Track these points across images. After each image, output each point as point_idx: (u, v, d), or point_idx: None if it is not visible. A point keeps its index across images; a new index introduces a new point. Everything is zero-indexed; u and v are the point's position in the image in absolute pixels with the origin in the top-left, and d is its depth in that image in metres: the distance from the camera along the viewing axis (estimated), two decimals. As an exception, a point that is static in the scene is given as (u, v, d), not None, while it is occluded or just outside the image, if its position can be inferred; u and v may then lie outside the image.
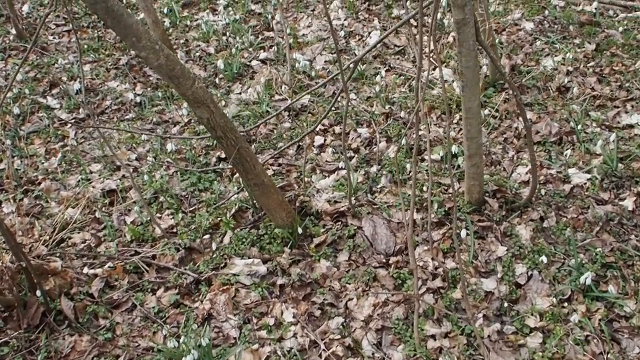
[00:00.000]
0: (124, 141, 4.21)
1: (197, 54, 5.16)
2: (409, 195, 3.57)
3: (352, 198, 3.52)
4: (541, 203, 3.42)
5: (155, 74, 4.91)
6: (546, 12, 5.25)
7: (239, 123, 4.30)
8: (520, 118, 4.01)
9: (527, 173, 3.66)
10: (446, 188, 3.61)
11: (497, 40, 4.67)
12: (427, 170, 3.72)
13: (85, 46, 5.41)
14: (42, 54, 5.38)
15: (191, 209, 3.60)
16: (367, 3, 5.61)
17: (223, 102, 4.51)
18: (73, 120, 4.49)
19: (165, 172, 3.86)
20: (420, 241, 3.32)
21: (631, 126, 3.96)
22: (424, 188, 3.59)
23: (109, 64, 5.13)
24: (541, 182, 3.59)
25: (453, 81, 4.39)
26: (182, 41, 5.40)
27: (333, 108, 4.32)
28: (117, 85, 4.85)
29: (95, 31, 5.70)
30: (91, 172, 3.95)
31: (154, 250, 3.31)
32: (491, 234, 3.30)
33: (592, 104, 4.15)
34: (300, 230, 3.28)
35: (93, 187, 3.80)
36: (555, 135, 3.87)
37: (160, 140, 4.12)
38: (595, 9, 5.12)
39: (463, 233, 3.21)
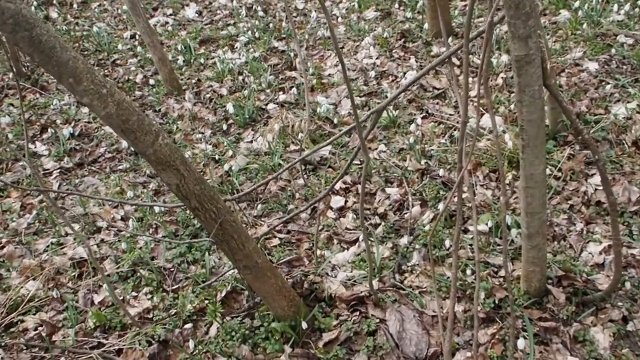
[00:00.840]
0: (111, 196, 3.57)
1: (208, 95, 4.54)
2: (448, 278, 2.81)
3: (376, 280, 2.79)
4: (622, 296, 2.61)
5: (159, 119, 4.30)
6: (612, 50, 4.48)
7: (246, 177, 3.62)
8: (589, 181, 3.24)
9: (601, 253, 2.86)
10: (496, 270, 2.84)
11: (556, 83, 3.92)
12: (471, 246, 2.96)
13: (88, 85, 4.86)
14: (40, 94, 4.85)
15: (175, 287, 2.91)
16: (402, 40, 4.93)
17: (230, 152, 3.85)
18: (59, 171, 3.88)
19: (150, 238, 3.18)
20: (461, 343, 2.54)
21: None
22: (468, 270, 2.82)
23: (109, 105, 4.55)
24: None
25: (504, 131, 3.64)
26: (194, 81, 4.80)
27: (358, 160, 3.62)
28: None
29: (102, 69, 5.17)
30: (66, 235, 3.30)
31: (121, 343, 2.61)
32: (557, 338, 2.50)
33: (680, 162, 3.34)
34: (305, 325, 2.54)
35: (64, 254, 3.14)
36: (635, 203, 3.06)
37: (151, 198, 3.46)
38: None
39: (520, 343, 2.40)
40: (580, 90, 4.09)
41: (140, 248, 3.10)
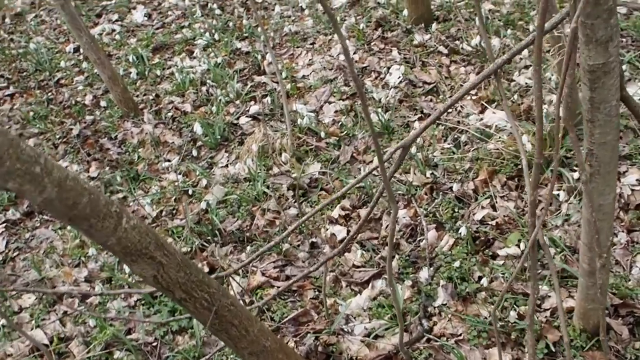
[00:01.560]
0: (70, 253, 3.03)
1: (170, 113, 3.99)
2: (485, 319, 2.37)
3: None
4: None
5: (116, 149, 3.75)
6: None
7: (227, 212, 3.12)
8: (622, 180, 2.82)
9: (655, 267, 2.46)
10: (539, 303, 2.41)
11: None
12: (504, 275, 2.52)
13: (31, 113, 4.27)
14: (-24, 127, 4.23)
15: (160, 367, 2.41)
16: (379, 29, 4.44)
17: (205, 181, 3.33)
18: (4, 225, 3.32)
19: (124, 304, 2.66)
20: (517, 405, 2.11)
21: None
22: (503, 307, 2.38)
23: (58, 136, 3.97)
24: (680, 281, 2.40)
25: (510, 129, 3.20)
26: (151, 97, 4.24)
27: (353, 178, 3.13)
28: (67, 166, 3.67)
29: (45, 93, 4.57)
30: (20, 310, 2.76)
31: None
32: (630, 386, 2.09)
33: None
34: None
35: (21, 342, 2.60)
36: (683, 203, 2.66)
37: (117, 252, 2.94)
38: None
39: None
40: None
41: (113, 320, 2.58)
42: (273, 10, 5.13)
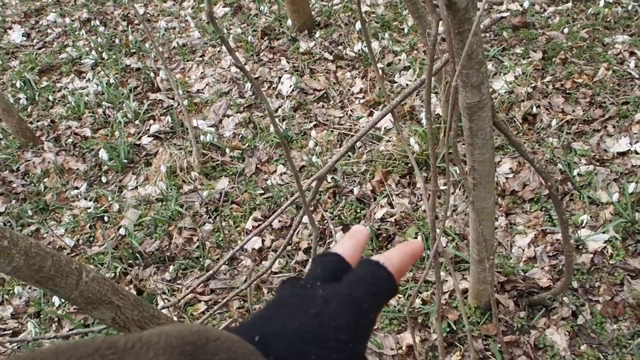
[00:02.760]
0: (-10, 292, 3.06)
1: (70, 139, 4.02)
2: (395, 306, 2.70)
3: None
4: (565, 290, 2.65)
5: (20, 181, 3.74)
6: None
7: (144, 234, 3.25)
8: (498, 170, 3.24)
9: (530, 245, 2.89)
10: (435, 286, 2.76)
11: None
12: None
13: None
14: None
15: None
16: (266, 39, 4.66)
17: (117, 206, 3.43)
18: None
19: (56, 336, 2.75)
20: (430, 379, 2.46)
21: (623, 154, 3.28)
22: (407, 295, 2.72)
23: (-48, 173, 3.90)
24: (550, 254, 2.84)
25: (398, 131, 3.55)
26: (46, 123, 4.23)
27: (260, 189, 3.38)
28: (-32, 203, 3.65)
29: None
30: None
31: None
32: (519, 350, 2.49)
33: (568, 131, 3.44)
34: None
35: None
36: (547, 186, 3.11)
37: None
38: (526, 8, 4.47)
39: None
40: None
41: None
42: (156, 22, 5.20)
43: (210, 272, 2.13)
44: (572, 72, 3.85)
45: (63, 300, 2.87)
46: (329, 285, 0.49)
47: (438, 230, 1.74)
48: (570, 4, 4.56)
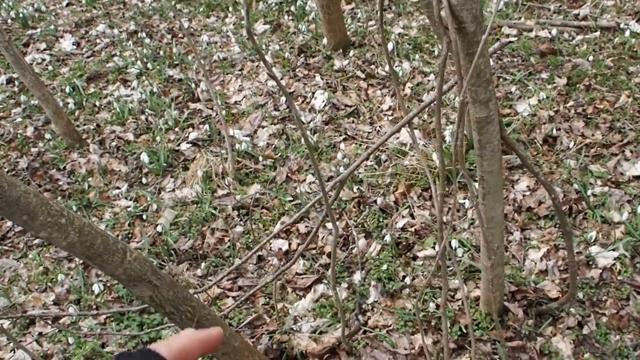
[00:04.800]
0: (36, 280, 3.31)
1: (113, 143, 4.29)
2: (410, 311, 2.87)
3: (340, 325, 2.79)
4: (573, 301, 2.78)
5: (66, 179, 4.02)
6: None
7: (179, 233, 3.48)
8: (515, 187, 3.39)
9: (542, 259, 3.03)
10: (452, 294, 2.93)
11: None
12: (424, 273, 3.03)
13: (-27, 147, 4.46)
14: None
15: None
16: (302, 56, 4.90)
17: (155, 206, 3.67)
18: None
19: (95, 322, 2.99)
20: (439, 378, 2.61)
21: (638, 177, 3.41)
22: (423, 300, 2.89)
23: (6, 169, 4.19)
24: (561, 268, 2.97)
25: (424, 145, 3.74)
26: (92, 127, 4.52)
27: (290, 197, 3.58)
28: (19, 197, 3.92)
29: (-15, 125, 4.74)
30: (-5, 334, 3.03)
31: None
32: (525, 355, 2.63)
33: (587, 154, 3.58)
34: (287, 393, 2.51)
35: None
36: (563, 203, 3.25)
37: (83, 275, 3.25)
38: (554, 35, 4.63)
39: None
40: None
41: (86, 336, 2.91)
42: (199, 36, 5.49)
43: (234, 265, 2.34)
44: (595, 98, 3.99)
45: (102, 289, 3.10)
46: None
47: (445, 233, 1.92)
48: (597, 33, 4.70)
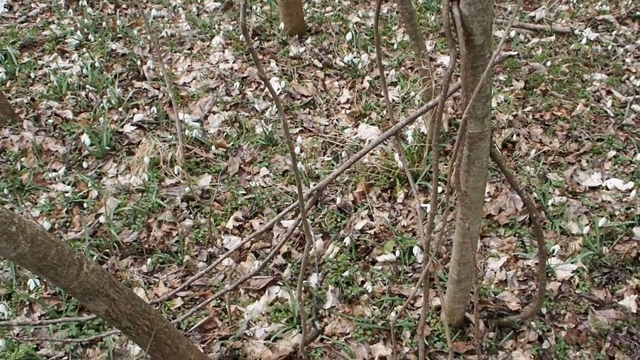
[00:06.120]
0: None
1: (50, 120, 3.97)
2: (369, 317, 2.76)
3: (297, 332, 2.66)
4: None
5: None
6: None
7: (123, 224, 3.24)
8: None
9: (502, 268, 2.99)
10: (412, 302, 2.85)
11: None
12: (381, 277, 2.93)
13: None
14: None
15: (75, 380, 2.54)
16: (256, 39, 4.69)
17: (95, 193, 3.42)
18: None
19: (28, 320, 2.73)
20: (399, 391, 2.53)
21: (594, 189, 3.42)
22: (383, 307, 2.79)
23: None
24: (520, 279, 2.94)
25: (384, 143, 3.62)
26: (26, 100, 4.16)
27: (243, 190, 3.41)
28: (-59, 175, 3.57)
29: None
30: None
31: None
32: (486, 370, 2.58)
33: (545, 162, 3.56)
34: (242, 407, 2.36)
35: None
36: (522, 213, 3.22)
37: (15, 270, 2.97)
38: (512, 37, 4.62)
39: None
40: (440, 88, 4.18)
41: (17, 335, 2.66)
42: (145, 9, 5.17)
43: (205, 270, 2.15)
44: (552, 104, 3.99)
45: (37, 284, 2.84)
46: None
47: (432, 252, 1.81)
48: (553, 37, 4.71)
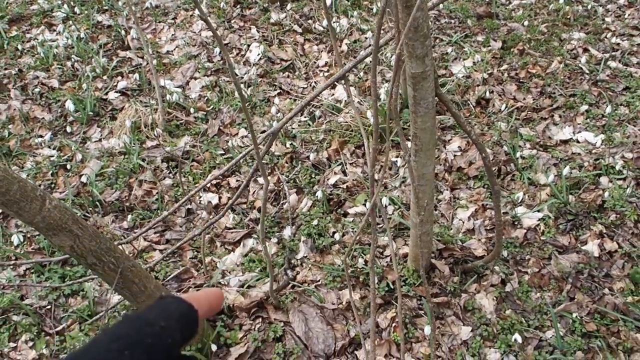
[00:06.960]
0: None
1: (37, 89, 4.07)
2: (339, 266, 2.88)
3: (269, 280, 2.77)
4: (497, 260, 2.85)
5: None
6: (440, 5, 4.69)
7: (105, 184, 3.36)
8: (447, 147, 3.43)
9: (470, 218, 3.09)
10: (381, 251, 2.95)
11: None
12: (353, 229, 3.04)
13: None
14: None
15: (58, 327, 2.67)
16: (238, 7, 4.76)
17: (80, 156, 3.53)
18: None
19: (14, 274, 2.86)
20: (366, 332, 2.64)
21: (565, 142, 3.50)
22: (352, 256, 2.90)
23: None
24: (487, 228, 3.04)
25: (359, 102, 3.71)
26: (14, 72, 4.27)
27: (222, 150, 3.51)
28: None
29: None
30: None
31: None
32: (449, 311, 2.69)
33: (517, 117, 3.65)
34: (214, 347, 2.48)
35: None
36: (492, 165, 3.31)
37: (1, 225, 3.10)
38: (492, -1, 4.68)
39: (426, 328, 2.55)
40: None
41: (4, 287, 2.79)
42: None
43: (162, 216, 2.27)
44: (528, 62, 4.06)
45: (22, 240, 2.97)
46: None
47: (376, 190, 1.91)
48: (533, -2, 4.76)
